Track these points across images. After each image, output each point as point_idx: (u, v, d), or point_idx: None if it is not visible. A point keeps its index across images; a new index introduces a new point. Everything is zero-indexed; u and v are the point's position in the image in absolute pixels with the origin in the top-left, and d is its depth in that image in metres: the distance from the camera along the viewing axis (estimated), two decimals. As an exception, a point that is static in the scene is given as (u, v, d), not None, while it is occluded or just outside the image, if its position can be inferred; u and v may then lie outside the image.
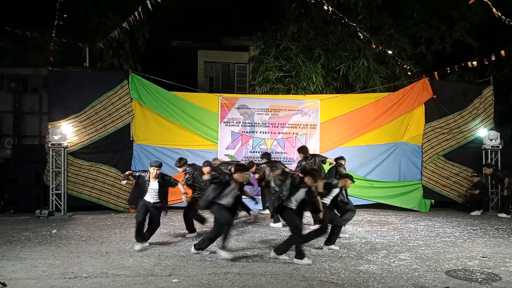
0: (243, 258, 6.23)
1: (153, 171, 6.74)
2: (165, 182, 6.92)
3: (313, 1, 10.10)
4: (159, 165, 6.84)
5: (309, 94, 11.73)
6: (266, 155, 9.79)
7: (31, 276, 5.33)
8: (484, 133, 11.19)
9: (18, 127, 14.07)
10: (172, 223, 8.91)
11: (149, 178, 6.75)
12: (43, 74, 12.82)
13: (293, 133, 11.10)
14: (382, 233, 8.19)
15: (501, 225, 9.17)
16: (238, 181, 6.27)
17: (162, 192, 6.86)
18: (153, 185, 6.76)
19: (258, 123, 11.04)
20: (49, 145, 9.88)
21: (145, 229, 6.83)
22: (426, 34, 13.20)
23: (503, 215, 10.21)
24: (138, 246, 6.65)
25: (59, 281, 5.17)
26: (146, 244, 6.79)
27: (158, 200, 6.79)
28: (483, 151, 11.26)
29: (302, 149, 9.70)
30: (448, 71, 11.62)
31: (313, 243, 6.90)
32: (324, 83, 12.17)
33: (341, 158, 9.10)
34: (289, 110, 11.12)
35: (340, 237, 7.26)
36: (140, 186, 6.83)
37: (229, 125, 10.96)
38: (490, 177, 10.92)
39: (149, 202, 6.74)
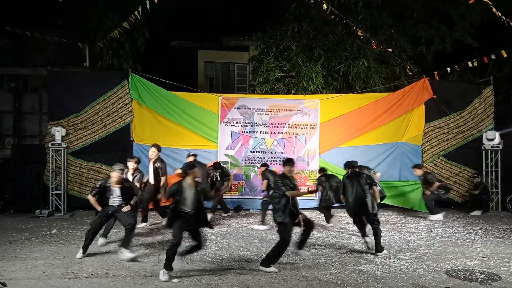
0: (243, 258, 6.23)
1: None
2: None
3: (312, 1, 10.08)
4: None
5: (309, 94, 11.73)
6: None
7: (31, 276, 5.33)
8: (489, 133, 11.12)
9: (18, 127, 14.09)
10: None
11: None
12: (43, 74, 12.85)
13: (293, 133, 11.09)
14: (382, 233, 8.17)
15: (501, 225, 9.17)
16: None
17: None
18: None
19: (258, 123, 11.04)
20: (49, 145, 9.87)
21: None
22: (426, 34, 13.20)
23: (434, 217, 9.66)
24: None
25: (59, 281, 5.17)
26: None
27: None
28: (483, 151, 11.26)
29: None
30: (448, 71, 11.62)
31: (312, 242, 6.90)
32: (324, 83, 12.17)
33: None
34: (289, 110, 11.11)
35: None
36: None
37: (229, 125, 10.95)
38: (424, 178, 10.11)
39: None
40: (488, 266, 5.97)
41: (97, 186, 6.45)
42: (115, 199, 6.33)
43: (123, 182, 6.40)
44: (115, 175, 6.27)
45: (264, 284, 5.07)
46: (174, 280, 5.18)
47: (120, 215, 6.33)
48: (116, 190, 6.31)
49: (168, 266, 5.24)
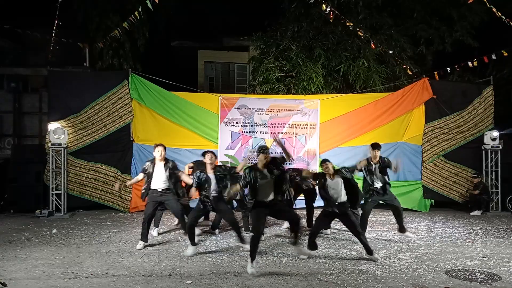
0: (243, 258, 6.23)
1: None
2: None
3: (312, 1, 10.08)
4: None
5: (309, 94, 11.73)
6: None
7: (31, 276, 5.33)
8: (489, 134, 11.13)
9: (18, 127, 14.09)
10: (172, 223, 8.89)
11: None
12: (43, 74, 12.84)
13: (293, 133, 11.10)
14: (382, 233, 8.20)
15: (501, 225, 9.17)
16: None
17: None
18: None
19: (258, 123, 11.04)
20: (49, 145, 9.87)
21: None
22: (426, 34, 13.22)
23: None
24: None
25: (59, 281, 5.17)
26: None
27: None
28: (483, 151, 11.26)
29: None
30: (448, 71, 11.63)
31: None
32: (324, 83, 12.18)
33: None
34: (289, 110, 11.11)
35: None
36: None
37: (229, 125, 10.95)
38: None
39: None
40: (488, 266, 5.97)
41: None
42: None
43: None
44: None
45: (264, 284, 5.07)
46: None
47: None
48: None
49: None
